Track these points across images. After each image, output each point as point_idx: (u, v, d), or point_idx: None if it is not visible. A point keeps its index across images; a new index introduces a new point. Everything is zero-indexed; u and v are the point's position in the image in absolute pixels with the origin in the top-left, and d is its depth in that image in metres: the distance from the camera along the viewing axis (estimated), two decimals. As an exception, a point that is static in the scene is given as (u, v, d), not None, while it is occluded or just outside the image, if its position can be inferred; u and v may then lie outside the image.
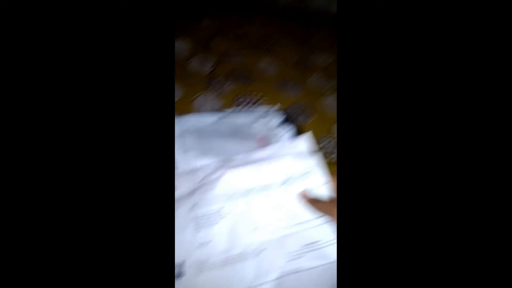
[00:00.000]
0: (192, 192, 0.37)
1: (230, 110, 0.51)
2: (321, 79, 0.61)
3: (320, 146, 0.49)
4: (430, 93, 0.16)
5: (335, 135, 0.51)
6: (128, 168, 0.18)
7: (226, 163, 0.39)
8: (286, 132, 0.45)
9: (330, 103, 0.55)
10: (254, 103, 0.53)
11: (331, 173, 0.36)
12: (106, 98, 0.18)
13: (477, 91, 0.15)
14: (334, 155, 0.49)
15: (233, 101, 0.53)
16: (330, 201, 0.34)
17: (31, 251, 0.15)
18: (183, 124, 0.44)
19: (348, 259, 0.16)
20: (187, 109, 0.50)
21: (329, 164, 0.38)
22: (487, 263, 0.14)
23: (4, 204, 0.15)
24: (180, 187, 0.37)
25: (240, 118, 0.46)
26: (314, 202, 0.34)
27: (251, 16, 0.71)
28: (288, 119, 0.47)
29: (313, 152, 0.38)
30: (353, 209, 0.17)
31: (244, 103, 0.52)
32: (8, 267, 0.15)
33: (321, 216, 0.34)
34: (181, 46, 0.61)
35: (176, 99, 0.51)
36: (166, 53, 0.19)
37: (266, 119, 0.46)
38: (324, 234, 0.34)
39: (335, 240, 0.33)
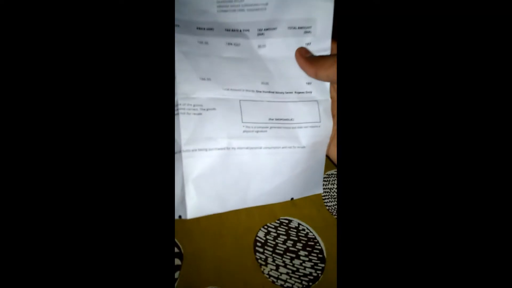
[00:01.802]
0: None
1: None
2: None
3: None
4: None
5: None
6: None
7: None
8: None
9: None
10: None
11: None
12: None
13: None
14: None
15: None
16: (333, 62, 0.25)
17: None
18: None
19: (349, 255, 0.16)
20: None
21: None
22: (486, 262, 0.14)
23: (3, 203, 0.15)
24: None
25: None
26: (314, 62, 0.26)
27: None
28: None
29: None
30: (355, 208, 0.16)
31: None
32: (8, 267, 0.15)
33: (307, 90, 0.26)
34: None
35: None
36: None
37: None
38: (301, 113, 0.27)
39: (313, 125, 0.27)
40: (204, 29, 0.27)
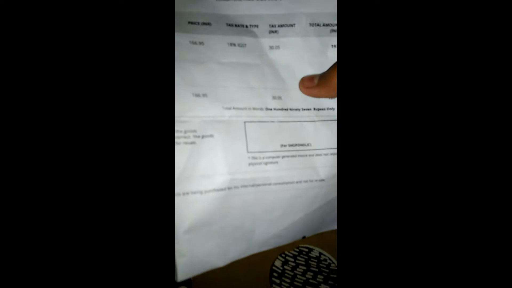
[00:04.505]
0: None
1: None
2: None
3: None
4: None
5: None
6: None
7: None
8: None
9: None
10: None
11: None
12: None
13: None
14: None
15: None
16: None
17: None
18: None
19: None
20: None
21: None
22: (486, 262, 0.14)
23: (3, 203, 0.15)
24: None
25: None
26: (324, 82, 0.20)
27: None
28: None
29: None
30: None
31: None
32: (8, 267, 0.14)
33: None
34: None
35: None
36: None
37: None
38: (320, 137, 0.22)
39: (335, 152, 0.22)
40: (199, 23, 0.21)
